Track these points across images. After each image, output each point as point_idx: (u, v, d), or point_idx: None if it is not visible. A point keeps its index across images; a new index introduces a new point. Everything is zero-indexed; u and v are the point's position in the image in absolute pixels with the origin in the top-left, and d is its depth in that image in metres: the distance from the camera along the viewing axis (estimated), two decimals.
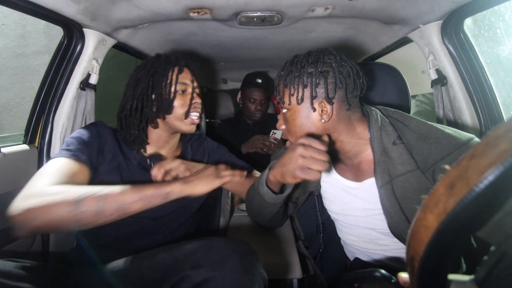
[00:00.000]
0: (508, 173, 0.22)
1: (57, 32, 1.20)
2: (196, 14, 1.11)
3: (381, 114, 0.77)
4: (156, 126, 0.90)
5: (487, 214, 0.26)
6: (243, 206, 1.37)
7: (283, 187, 0.79)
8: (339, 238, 0.95)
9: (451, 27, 1.08)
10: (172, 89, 0.87)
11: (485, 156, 0.23)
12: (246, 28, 1.29)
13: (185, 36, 1.44)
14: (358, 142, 0.76)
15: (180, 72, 0.89)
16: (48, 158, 1.11)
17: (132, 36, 1.28)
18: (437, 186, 0.26)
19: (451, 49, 1.11)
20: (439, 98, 1.19)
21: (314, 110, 0.72)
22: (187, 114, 0.89)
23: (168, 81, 0.87)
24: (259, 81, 1.87)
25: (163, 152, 0.96)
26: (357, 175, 0.80)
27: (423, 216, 0.27)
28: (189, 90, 0.90)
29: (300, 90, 0.72)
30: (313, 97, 0.71)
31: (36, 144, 1.13)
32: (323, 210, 0.92)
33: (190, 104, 0.89)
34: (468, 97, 1.11)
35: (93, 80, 1.19)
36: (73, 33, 1.08)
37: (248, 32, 1.38)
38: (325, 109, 0.71)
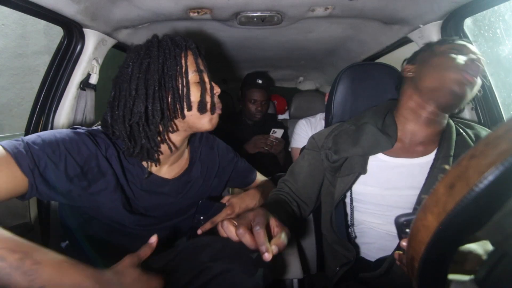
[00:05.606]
0: (508, 173, 0.22)
1: (57, 32, 1.20)
2: (196, 14, 1.11)
3: None
4: (174, 130, 0.72)
5: (487, 214, 0.26)
6: None
7: None
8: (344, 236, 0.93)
9: (451, 27, 1.08)
10: (191, 78, 0.71)
11: (485, 156, 0.23)
12: (246, 28, 1.29)
13: (185, 36, 1.44)
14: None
15: (195, 56, 0.73)
16: None
17: (132, 36, 1.28)
18: (437, 186, 0.26)
19: None
20: None
21: None
22: (212, 108, 0.73)
23: (183, 70, 0.70)
24: (260, 81, 1.85)
25: (167, 164, 0.80)
26: (413, 152, 0.83)
27: (423, 216, 0.27)
28: (206, 78, 0.75)
29: None
30: None
31: None
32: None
33: (213, 95, 0.74)
34: None
35: (93, 80, 1.19)
36: (73, 33, 1.08)
37: (248, 32, 1.38)
38: None
